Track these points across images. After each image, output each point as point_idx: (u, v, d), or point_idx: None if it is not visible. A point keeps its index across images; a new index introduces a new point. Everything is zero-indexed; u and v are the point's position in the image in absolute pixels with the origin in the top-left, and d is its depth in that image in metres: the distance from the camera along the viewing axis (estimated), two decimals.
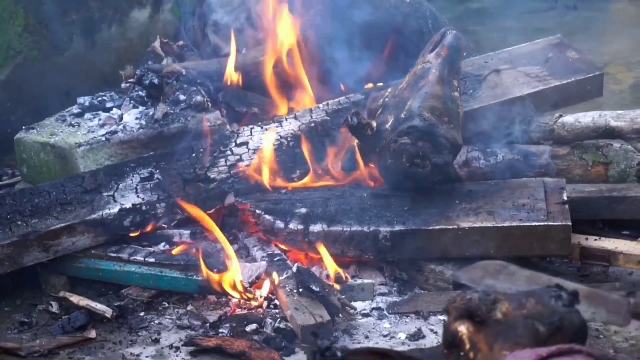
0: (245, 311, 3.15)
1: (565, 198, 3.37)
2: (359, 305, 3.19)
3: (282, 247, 3.42)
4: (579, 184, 3.73)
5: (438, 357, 2.01)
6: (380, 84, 4.02)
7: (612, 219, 3.63)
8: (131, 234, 3.46)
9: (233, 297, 3.19)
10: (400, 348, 2.91)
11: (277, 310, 3.14)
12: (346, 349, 2.15)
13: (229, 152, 3.66)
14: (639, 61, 5.72)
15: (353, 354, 2.00)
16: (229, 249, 3.31)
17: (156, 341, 3.01)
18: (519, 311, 1.97)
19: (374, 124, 3.45)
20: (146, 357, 2.92)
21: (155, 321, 3.15)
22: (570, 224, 3.22)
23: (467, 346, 1.87)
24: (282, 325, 3.04)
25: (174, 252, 3.40)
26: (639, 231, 3.57)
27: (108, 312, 3.14)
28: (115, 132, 3.81)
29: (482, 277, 2.13)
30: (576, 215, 3.36)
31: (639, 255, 3.23)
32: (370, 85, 4.05)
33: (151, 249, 3.41)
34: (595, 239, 3.36)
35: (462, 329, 1.90)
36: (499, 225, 3.27)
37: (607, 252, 3.29)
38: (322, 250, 3.26)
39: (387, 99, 3.63)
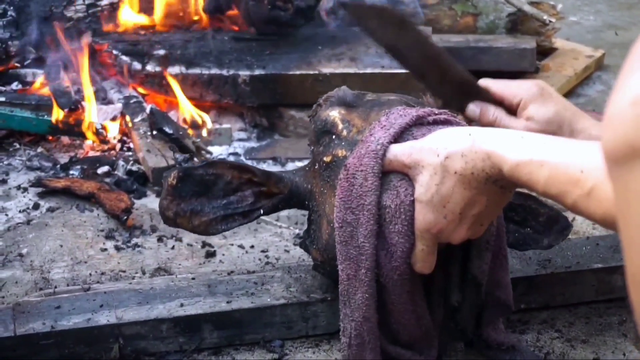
0: (98, 153, 3.07)
1: None
2: (216, 150, 3.13)
3: (140, 90, 3.33)
4: (446, 34, 3.70)
5: (303, 171, 1.92)
6: None
7: (477, 70, 3.62)
8: None
9: (86, 138, 3.10)
10: None
11: (130, 153, 3.06)
12: (206, 161, 2.05)
13: None
14: None
15: (212, 165, 1.90)
16: (87, 90, 3.20)
17: (3, 182, 2.91)
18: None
19: None
20: None
21: (5, 162, 3.04)
22: None
23: (340, 127, 1.75)
24: (134, 168, 2.96)
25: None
26: None
27: None
28: None
29: (375, 24, 1.93)
30: None
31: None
32: None
33: (2, 88, 3.27)
34: None
35: (334, 113, 1.81)
36: (360, 71, 3.23)
37: None
38: (175, 85, 3.17)
39: None
